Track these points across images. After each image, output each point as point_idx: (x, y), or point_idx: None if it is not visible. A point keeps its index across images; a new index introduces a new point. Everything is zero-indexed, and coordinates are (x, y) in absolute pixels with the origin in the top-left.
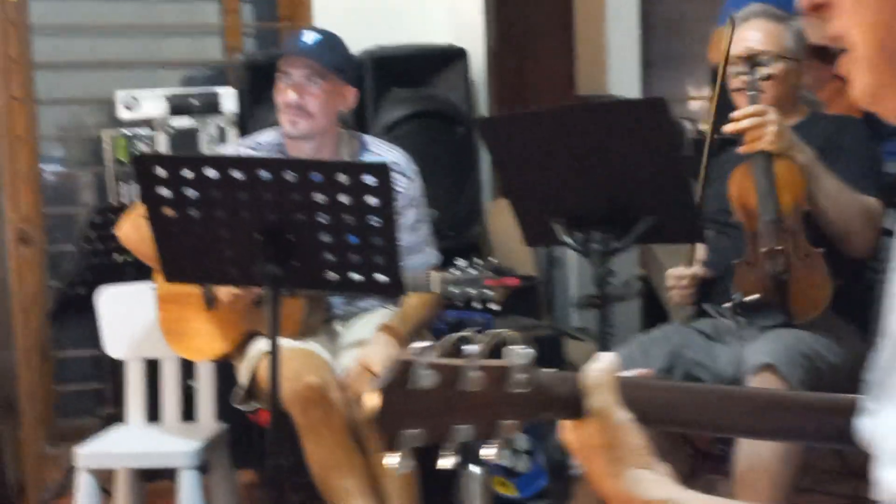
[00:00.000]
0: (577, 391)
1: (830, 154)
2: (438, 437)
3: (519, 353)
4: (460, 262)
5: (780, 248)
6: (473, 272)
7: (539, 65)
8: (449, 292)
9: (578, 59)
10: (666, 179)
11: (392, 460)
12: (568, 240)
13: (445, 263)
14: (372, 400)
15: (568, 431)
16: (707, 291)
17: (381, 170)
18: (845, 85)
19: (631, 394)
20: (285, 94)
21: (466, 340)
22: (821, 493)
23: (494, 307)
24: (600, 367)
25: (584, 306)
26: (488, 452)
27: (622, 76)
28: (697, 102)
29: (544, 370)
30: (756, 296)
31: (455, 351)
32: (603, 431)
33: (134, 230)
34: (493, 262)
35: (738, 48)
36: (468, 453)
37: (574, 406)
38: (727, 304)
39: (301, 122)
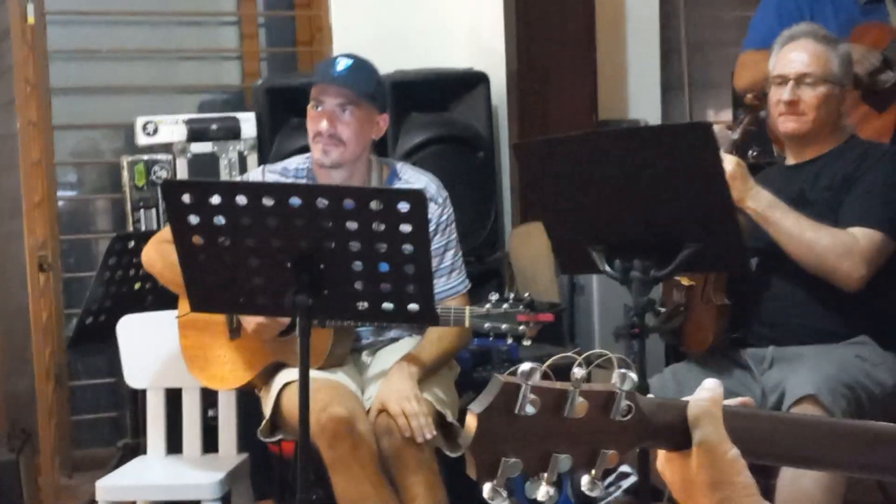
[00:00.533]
0: (681, 421)
1: (852, 181)
2: (538, 466)
3: (624, 379)
4: (493, 296)
5: (687, 284)
6: (506, 307)
7: (560, 89)
8: (480, 327)
9: (600, 84)
10: (710, 205)
11: (488, 490)
12: (607, 268)
13: (471, 291)
14: (471, 424)
15: (667, 463)
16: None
17: (416, 197)
18: (872, 110)
19: (735, 424)
20: (318, 123)
21: (569, 362)
22: None
23: (527, 342)
24: (708, 397)
25: (622, 336)
26: (587, 484)
27: (643, 100)
28: (717, 127)
29: (647, 397)
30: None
31: (557, 374)
32: (710, 467)
33: (159, 256)
34: (525, 296)
35: (783, 68)
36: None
37: (678, 437)
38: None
39: (333, 150)
